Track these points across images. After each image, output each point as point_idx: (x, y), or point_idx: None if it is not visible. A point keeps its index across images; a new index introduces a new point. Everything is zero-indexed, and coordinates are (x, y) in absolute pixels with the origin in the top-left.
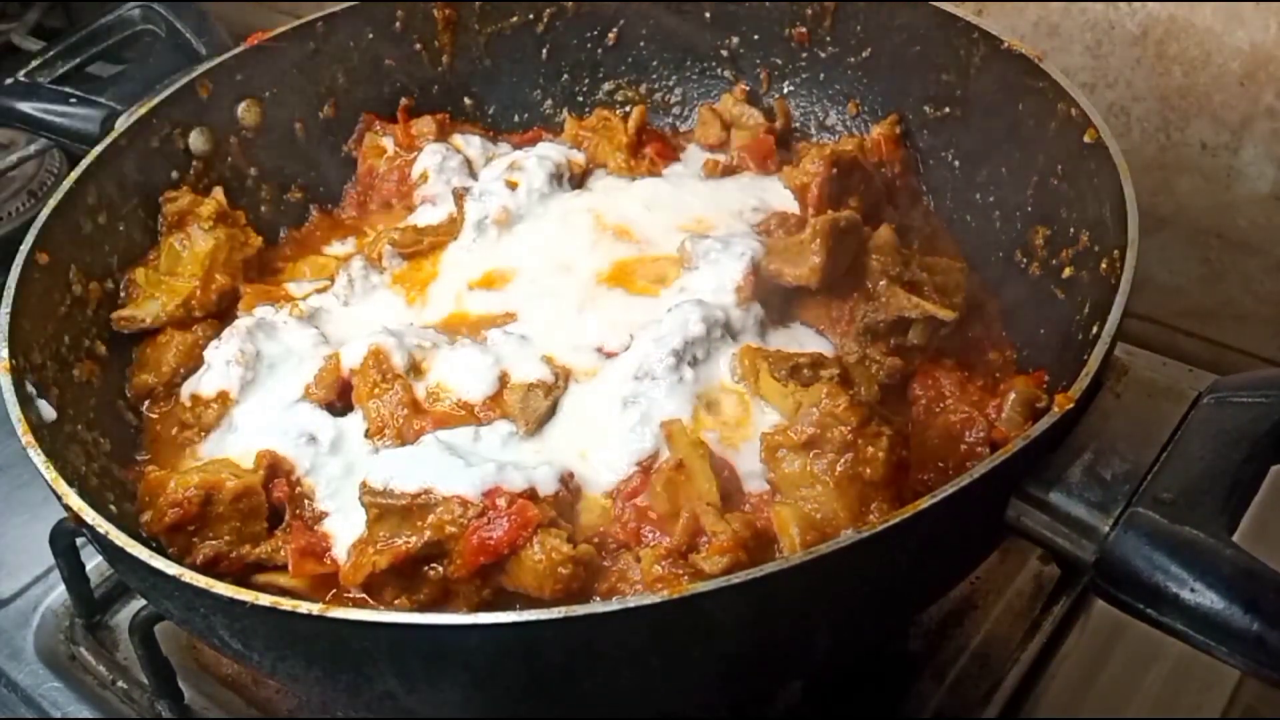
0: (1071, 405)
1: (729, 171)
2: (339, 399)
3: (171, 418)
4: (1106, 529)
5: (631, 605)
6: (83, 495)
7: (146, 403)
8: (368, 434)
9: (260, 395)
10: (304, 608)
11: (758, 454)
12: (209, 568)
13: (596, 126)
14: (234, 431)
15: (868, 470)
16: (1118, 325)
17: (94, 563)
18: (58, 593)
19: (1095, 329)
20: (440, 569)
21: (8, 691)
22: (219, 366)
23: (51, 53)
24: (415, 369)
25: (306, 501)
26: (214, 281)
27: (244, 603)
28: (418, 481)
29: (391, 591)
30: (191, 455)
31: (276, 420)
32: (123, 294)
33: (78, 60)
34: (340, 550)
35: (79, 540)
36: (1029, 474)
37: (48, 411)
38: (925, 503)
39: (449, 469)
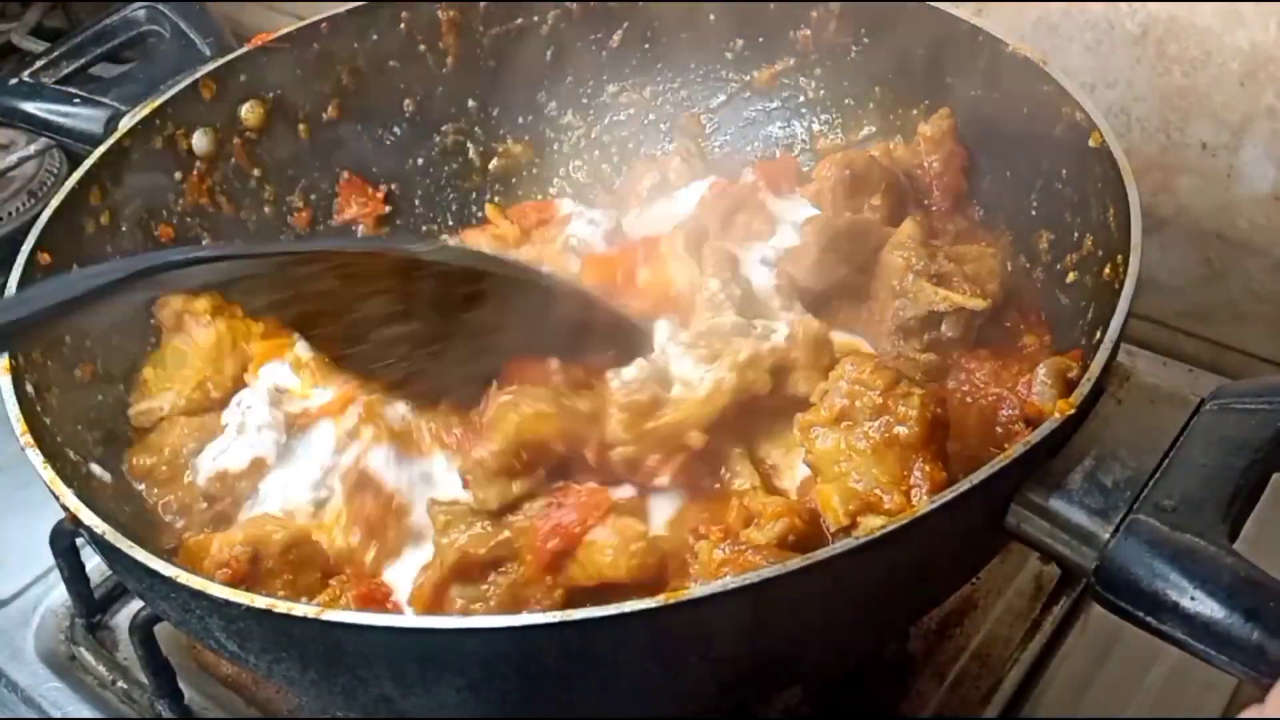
0: (1072, 411)
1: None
2: None
3: (180, 501)
4: (1107, 536)
5: (628, 610)
6: (80, 495)
7: (145, 484)
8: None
9: (301, 455)
10: (298, 610)
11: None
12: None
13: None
14: (266, 499)
15: (903, 431)
16: (1119, 332)
17: (94, 563)
18: (58, 593)
19: (1098, 334)
20: (510, 573)
21: (8, 691)
22: (251, 432)
23: (56, 53)
24: None
25: None
26: (225, 367)
27: (239, 604)
28: None
29: (461, 602)
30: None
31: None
32: (132, 391)
33: (82, 61)
34: (403, 596)
35: (79, 540)
36: (1029, 480)
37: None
38: (924, 508)
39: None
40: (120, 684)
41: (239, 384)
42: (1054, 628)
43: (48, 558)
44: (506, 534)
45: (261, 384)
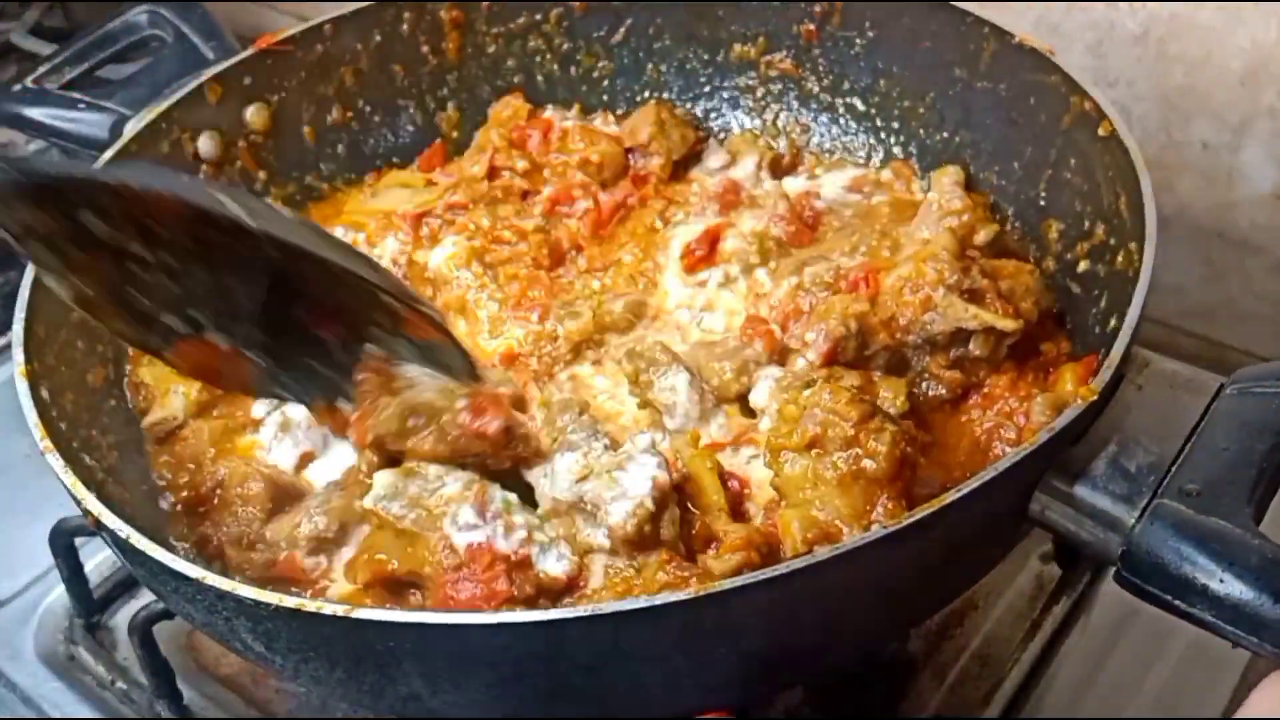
0: (1094, 398)
1: None
2: None
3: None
4: (1133, 521)
5: (659, 602)
6: (101, 500)
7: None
8: None
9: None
10: (328, 608)
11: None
12: (200, 548)
13: None
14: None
15: (871, 466)
16: (1138, 317)
17: (93, 563)
18: (57, 593)
19: (1113, 322)
20: (420, 598)
21: (7, 692)
22: (295, 430)
23: (59, 59)
24: None
25: None
26: None
27: (268, 604)
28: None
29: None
30: None
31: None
32: (137, 397)
33: (85, 66)
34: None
35: (78, 540)
36: (1053, 467)
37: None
38: (950, 496)
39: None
40: (119, 684)
41: None
42: (1055, 628)
43: (47, 558)
44: (414, 567)
45: None
